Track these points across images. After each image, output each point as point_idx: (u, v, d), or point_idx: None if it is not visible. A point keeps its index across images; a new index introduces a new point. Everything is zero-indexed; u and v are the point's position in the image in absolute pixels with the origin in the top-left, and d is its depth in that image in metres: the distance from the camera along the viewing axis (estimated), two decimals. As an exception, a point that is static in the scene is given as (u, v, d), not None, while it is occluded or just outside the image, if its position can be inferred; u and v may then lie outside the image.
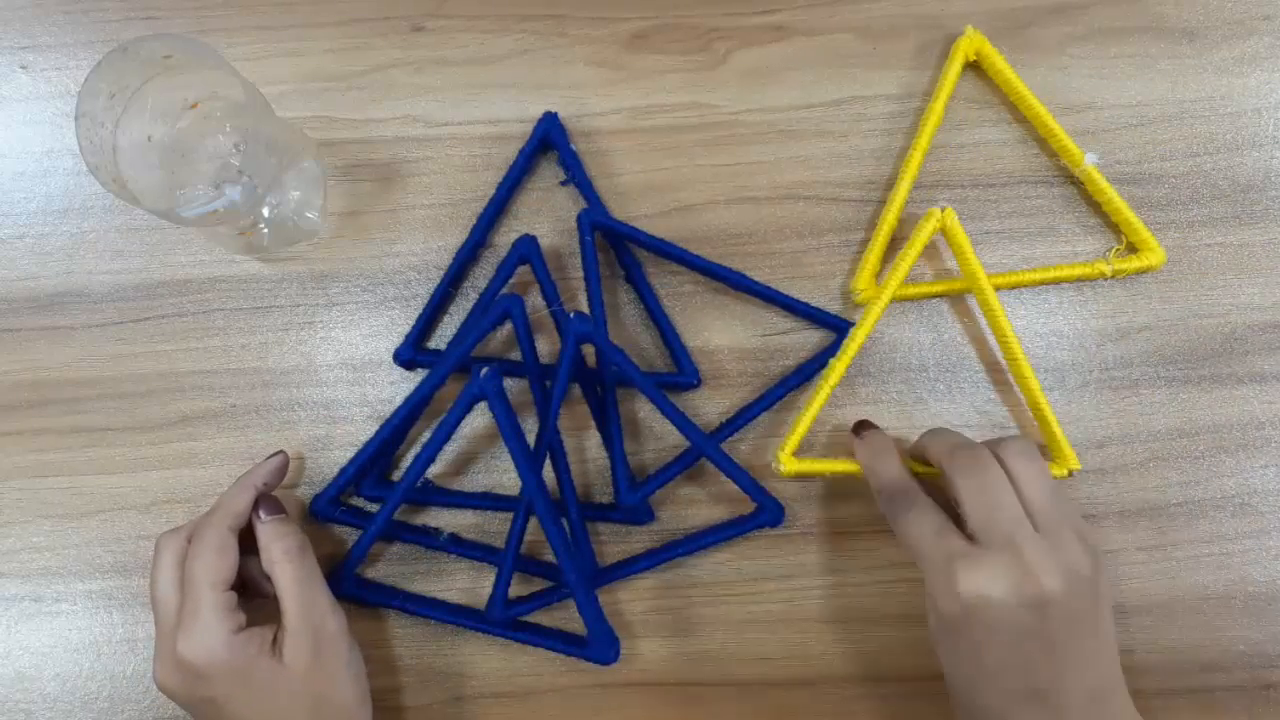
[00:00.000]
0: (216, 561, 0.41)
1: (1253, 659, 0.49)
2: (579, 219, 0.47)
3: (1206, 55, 0.51)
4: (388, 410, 0.49)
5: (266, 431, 0.49)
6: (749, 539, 0.49)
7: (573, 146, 0.49)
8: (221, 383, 0.50)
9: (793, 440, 0.48)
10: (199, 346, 0.50)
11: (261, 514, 0.44)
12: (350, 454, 0.48)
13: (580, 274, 0.49)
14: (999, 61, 0.49)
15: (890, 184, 0.50)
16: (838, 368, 0.47)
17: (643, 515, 0.48)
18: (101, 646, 0.49)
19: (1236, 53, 0.51)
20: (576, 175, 0.49)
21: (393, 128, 0.50)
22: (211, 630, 0.40)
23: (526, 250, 0.47)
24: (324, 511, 0.48)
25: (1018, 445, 0.42)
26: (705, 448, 0.46)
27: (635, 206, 0.50)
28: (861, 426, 0.47)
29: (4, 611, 0.49)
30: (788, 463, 0.47)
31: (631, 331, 0.50)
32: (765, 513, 0.47)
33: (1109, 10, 0.51)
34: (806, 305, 0.49)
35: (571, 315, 0.44)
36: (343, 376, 0.50)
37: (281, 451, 0.47)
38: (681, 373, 0.49)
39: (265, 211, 0.44)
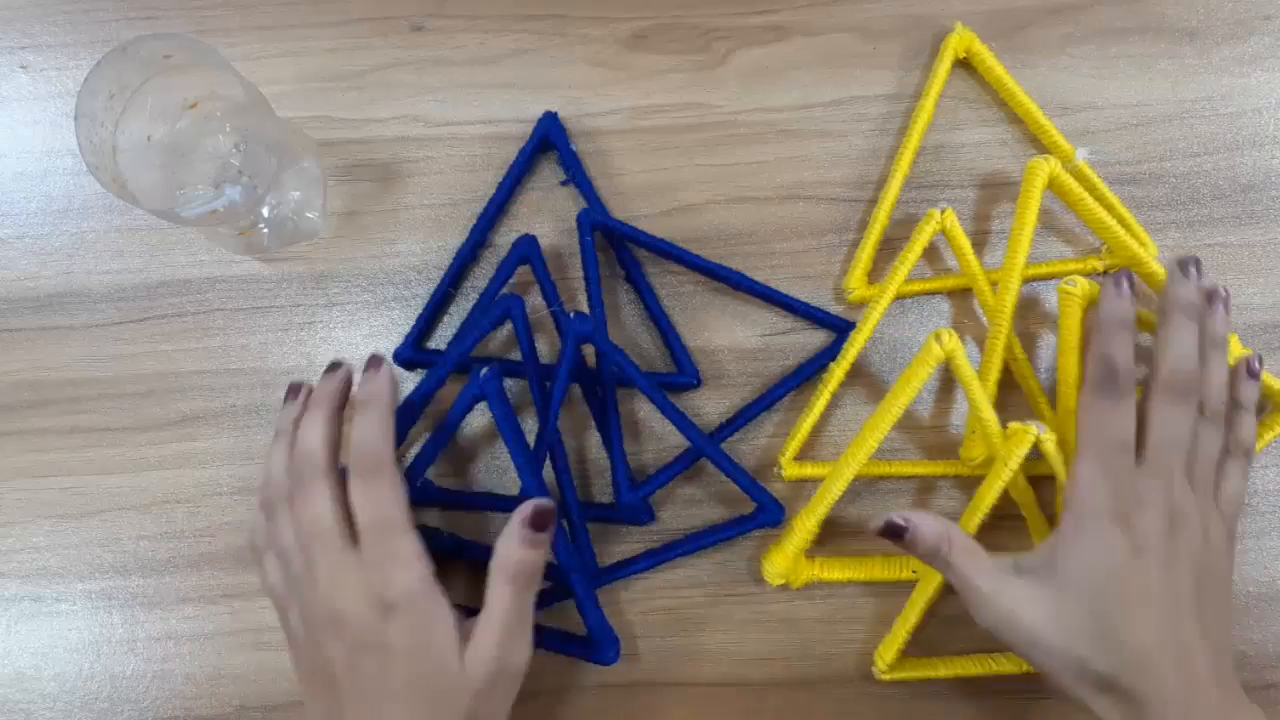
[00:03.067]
0: (398, 488, 0.39)
1: (1254, 659, 0.49)
2: (579, 219, 0.47)
3: (1207, 55, 0.51)
4: (388, 410, 0.49)
5: (266, 431, 0.49)
6: (749, 538, 0.49)
7: (573, 146, 0.49)
8: (221, 383, 0.49)
9: (794, 445, 0.48)
10: (199, 346, 0.50)
11: (528, 517, 0.39)
12: (350, 454, 0.48)
13: (580, 274, 0.49)
14: (989, 59, 0.49)
15: (884, 183, 0.50)
16: (837, 373, 0.47)
17: (642, 515, 0.48)
18: (101, 646, 0.49)
19: (1237, 53, 0.51)
20: (576, 175, 0.49)
21: (393, 128, 0.50)
22: (415, 570, 0.38)
23: (526, 250, 0.47)
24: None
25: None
26: (705, 448, 0.46)
27: (635, 206, 0.50)
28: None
29: (4, 611, 0.49)
30: (789, 468, 0.48)
31: (631, 331, 0.50)
32: (765, 513, 0.47)
33: (1109, 10, 0.51)
34: (807, 305, 0.49)
35: (571, 315, 0.44)
36: (343, 376, 0.50)
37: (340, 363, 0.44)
38: (681, 373, 0.49)
39: (265, 211, 0.45)
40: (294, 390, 0.44)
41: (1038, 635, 0.39)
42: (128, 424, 0.49)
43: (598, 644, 0.46)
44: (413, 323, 0.49)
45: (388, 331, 0.50)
